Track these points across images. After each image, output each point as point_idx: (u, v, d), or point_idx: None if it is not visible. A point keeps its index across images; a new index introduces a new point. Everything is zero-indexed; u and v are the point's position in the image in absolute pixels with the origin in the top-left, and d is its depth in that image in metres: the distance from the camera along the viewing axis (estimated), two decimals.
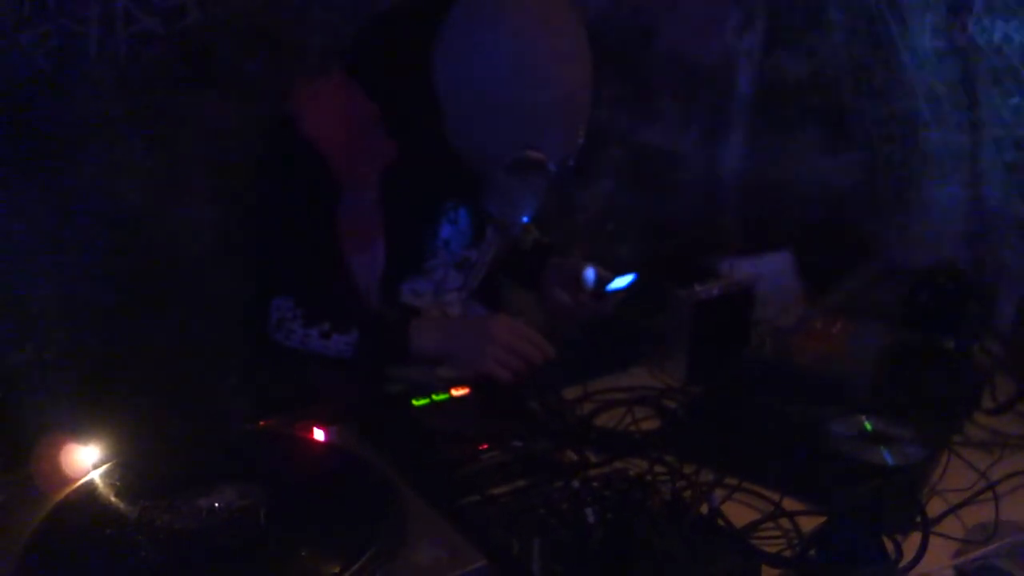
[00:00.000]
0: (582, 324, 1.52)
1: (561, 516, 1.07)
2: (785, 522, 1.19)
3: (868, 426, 1.29)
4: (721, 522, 1.09)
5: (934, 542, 1.17)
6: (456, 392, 1.39)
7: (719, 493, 1.21)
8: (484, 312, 1.55)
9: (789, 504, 1.22)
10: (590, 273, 1.44)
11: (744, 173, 2.74)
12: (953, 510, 1.24)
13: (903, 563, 1.08)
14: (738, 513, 1.21)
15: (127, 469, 1.05)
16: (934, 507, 1.25)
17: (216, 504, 0.98)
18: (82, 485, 1.03)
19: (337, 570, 0.89)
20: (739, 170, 2.74)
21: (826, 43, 2.54)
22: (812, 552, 1.05)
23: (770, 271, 2.17)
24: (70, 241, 1.71)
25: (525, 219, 1.38)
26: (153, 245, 1.78)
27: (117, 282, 1.74)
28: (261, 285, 1.36)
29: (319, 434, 1.15)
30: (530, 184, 1.25)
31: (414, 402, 1.36)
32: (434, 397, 1.38)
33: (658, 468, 1.25)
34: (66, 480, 1.04)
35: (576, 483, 1.08)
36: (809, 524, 1.17)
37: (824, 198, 2.55)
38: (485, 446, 1.27)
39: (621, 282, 1.44)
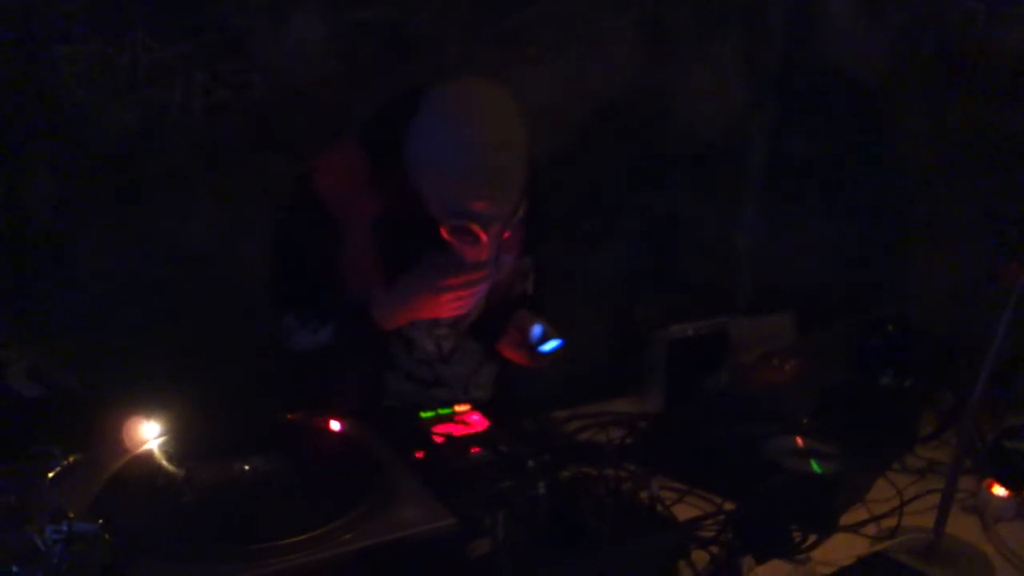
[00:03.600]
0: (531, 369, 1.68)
1: (529, 499, 1.29)
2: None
3: (801, 443, 1.49)
4: (659, 508, 1.31)
5: (850, 539, 1.39)
6: (459, 407, 1.64)
7: (669, 495, 1.43)
8: (479, 351, 1.76)
9: (731, 506, 1.44)
10: (536, 329, 1.62)
11: (754, 240, 2.96)
12: (873, 520, 1.45)
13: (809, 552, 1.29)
14: (686, 512, 1.43)
15: (180, 442, 1.32)
16: (859, 516, 1.46)
17: (247, 467, 1.25)
18: (144, 450, 1.30)
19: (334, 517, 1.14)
20: (749, 238, 2.96)
21: (830, 122, 2.77)
22: (729, 534, 1.26)
23: (772, 331, 2.36)
24: (147, 279, 2.01)
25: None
26: (216, 284, 2.07)
27: (185, 314, 2.03)
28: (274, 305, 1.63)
29: (335, 425, 1.41)
30: (465, 246, 1.47)
31: (421, 414, 1.61)
32: (439, 411, 1.63)
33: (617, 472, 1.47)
34: (127, 450, 1.30)
35: (532, 463, 1.30)
36: None
37: (827, 264, 2.75)
38: (476, 449, 1.51)
39: (548, 346, 1.61)
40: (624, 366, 2.54)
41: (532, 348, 1.64)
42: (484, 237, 1.44)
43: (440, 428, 1.58)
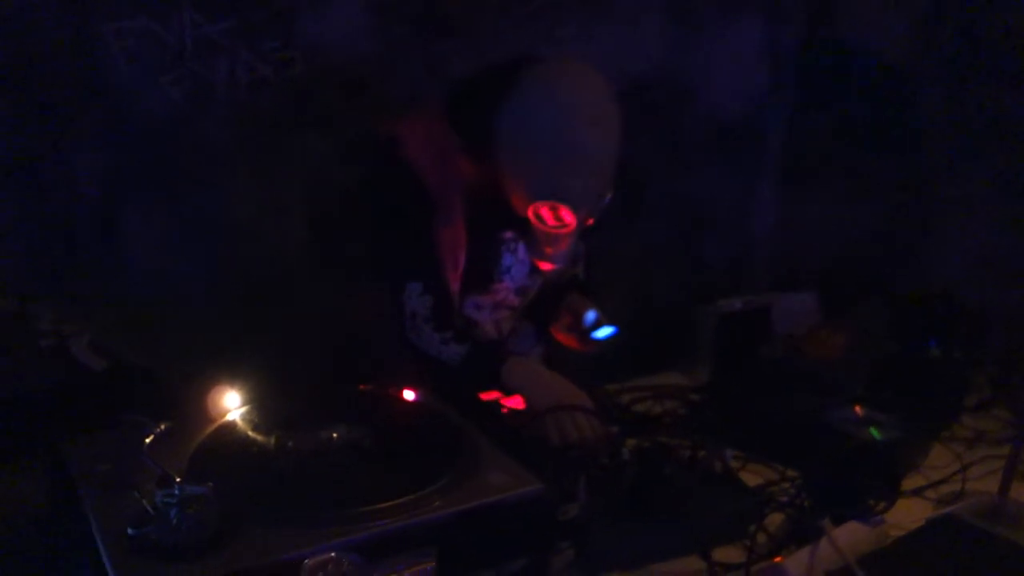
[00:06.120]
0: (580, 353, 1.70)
1: (603, 465, 1.33)
2: (788, 486, 1.44)
3: (860, 412, 1.53)
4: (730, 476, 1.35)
5: (915, 504, 1.43)
6: None
7: (733, 463, 1.47)
8: (533, 332, 1.77)
9: (792, 474, 1.47)
10: (590, 315, 1.65)
11: (774, 219, 3.00)
12: (933, 485, 1.49)
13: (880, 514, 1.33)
14: (749, 480, 1.46)
15: (263, 411, 1.33)
16: (918, 482, 1.50)
17: (333, 435, 1.26)
18: (229, 419, 1.31)
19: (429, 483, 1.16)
20: (769, 216, 3.00)
21: (849, 103, 2.81)
22: (802, 499, 1.30)
23: (795, 309, 2.39)
24: (190, 252, 2.02)
25: (558, 263, 1.55)
26: (255, 256, 2.08)
27: (226, 285, 2.05)
28: (391, 279, 1.58)
29: (410, 394, 1.43)
30: (550, 231, 1.46)
31: None
32: None
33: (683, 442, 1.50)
34: (212, 419, 1.32)
35: (616, 428, 1.33)
36: None
37: (846, 242, 2.79)
38: None
39: (602, 332, 1.63)
40: (646, 343, 2.58)
41: (585, 333, 1.66)
42: (571, 220, 1.43)
43: (501, 400, 1.61)
